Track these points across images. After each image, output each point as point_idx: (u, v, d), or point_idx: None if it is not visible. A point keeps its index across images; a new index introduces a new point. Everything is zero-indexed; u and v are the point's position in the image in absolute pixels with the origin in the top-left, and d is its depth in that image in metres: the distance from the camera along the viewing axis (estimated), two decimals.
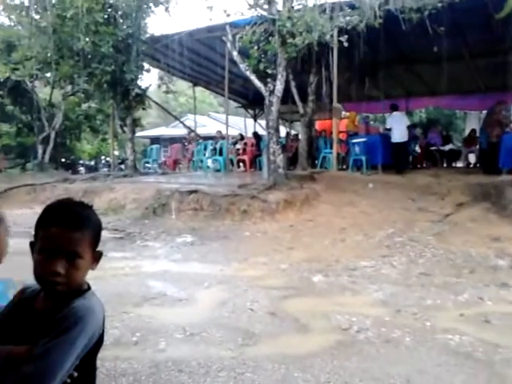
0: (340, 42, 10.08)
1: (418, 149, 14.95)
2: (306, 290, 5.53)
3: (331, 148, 13.18)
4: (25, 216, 10.99)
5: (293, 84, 12.86)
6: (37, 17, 13.81)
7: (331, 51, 11.33)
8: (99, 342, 1.33)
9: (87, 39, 12.77)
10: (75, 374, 1.25)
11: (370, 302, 5.13)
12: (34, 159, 22.54)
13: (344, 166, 13.49)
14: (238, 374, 3.38)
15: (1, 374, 1.23)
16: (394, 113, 12.46)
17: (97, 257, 1.37)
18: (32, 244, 1.33)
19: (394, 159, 12.12)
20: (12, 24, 16.92)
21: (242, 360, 3.61)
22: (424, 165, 14.74)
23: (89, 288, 1.37)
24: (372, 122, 21.23)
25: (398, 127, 12.01)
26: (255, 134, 18.14)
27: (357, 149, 12.41)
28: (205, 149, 16.50)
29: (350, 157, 12.64)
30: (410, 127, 13.10)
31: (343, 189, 10.34)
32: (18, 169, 23.36)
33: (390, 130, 12.17)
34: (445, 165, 14.49)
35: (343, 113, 15.30)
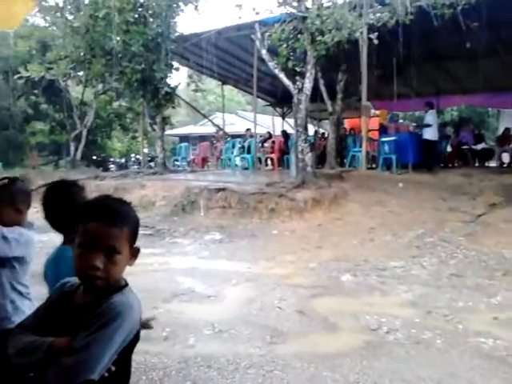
0: (370, 39, 9.96)
1: (449, 148, 14.65)
2: (334, 290, 5.50)
3: (360, 146, 13.05)
4: None
5: (321, 82, 12.78)
6: (70, 17, 14.09)
7: (360, 49, 11.20)
8: (136, 337, 1.36)
9: (118, 38, 12.97)
10: (113, 369, 1.28)
11: (399, 302, 5.07)
12: (66, 156, 23.09)
13: (373, 165, 13.33)
14: (266, 371, 3.39)
15: (42, 364, 1.27)
16: (430, 111, 12.25)
17: (134, 253, 1.39)
18: (73, 239, 1.36)
19: (424, 157, 11.91)
20: (47, 25, 17.31)
21: (270, 358, 3.62)
22: (455, 164, 14.43)
23: (126, 284, 1.40)
24: (401, 121, 20.94)
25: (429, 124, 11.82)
26: (283, 133, 18.11)
27: (386, 147, 12.24)
28: (233, 147, 16.56)
29: (380, 155, 12.49)
30: (442, 126, 12.85)
31: (372, 188, 10.22)
32: (51, 166, 23.96)
33: (429, 126, 11.92)
34: (477, 164, 14.14)
35: (372, 111, 15.12)
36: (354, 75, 12.97)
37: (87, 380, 1.22)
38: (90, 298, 1.33)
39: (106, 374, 1.26)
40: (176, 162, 19.03)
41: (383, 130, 14.21)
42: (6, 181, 2.36)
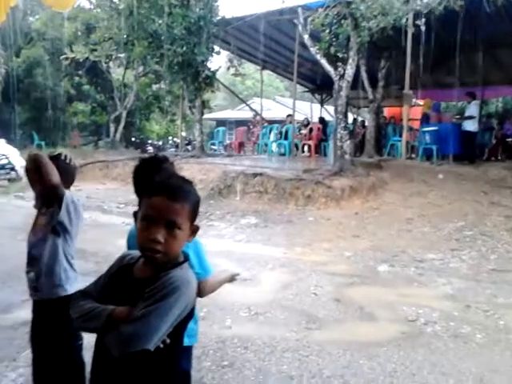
0: (416, 25, 9.69)
1: (493, 140, 14.20)
2: (370, 279, 5.46)
3: (400, 136, 12.81)
4: (98, 191, 11.56)
5: (363, 69, 12.57)
6: None
7: (405, 35, 10.92)
8: (191, 313, 1.39)
9: (161, 21, 13.06)
10: (168, 341, 1.32)
11: (437, 295, 4.99)
12: (105, 137, 23.59)
13: (412, 155, 13.08)
14: (302, 356, 3.42)
15: (101, 331, 1.33)
16: (474, 101, 11.88)
17: (194, 230, 1.43)
18: (135, 213, 1.40)
19: (465, 149, 11.60)
20: (92, 7, 17.62)
21: (306, 343, 3.64)
22: (499, 157, 13.99)
23: (185, 260, 1.43)
24: (444, 111, 20.38)
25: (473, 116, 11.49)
26: (321, 119, 17.95)
27: (427, 137, 11.97)
28: (270, 132, 16.54)
29: (420, 145, 12.23)
30: (486, 117, 12.45)
31: (411, 178, 10.04)
32: (91, 146, 24.51)
33: (472, 118, 11.59)
34: None
35: (413, 100, 14.77)
36: (396, 63, 12.70)
37: (143, 350, 1.26)
38: (149, 271, 1.37)
39: (162, 346, 1.31)
40: (212, 146, 19.16)
41: (426, 120, 13.88)
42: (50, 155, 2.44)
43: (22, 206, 9.47)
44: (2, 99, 19.76)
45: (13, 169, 12.75)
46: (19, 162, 13.01)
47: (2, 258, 5.74)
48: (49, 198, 2.39)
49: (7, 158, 12.66)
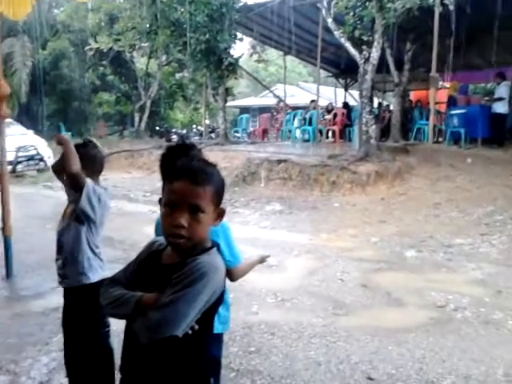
0: (444, 5, 9.42)
1: None
2: (398, 265, 5.39)
3: (427, 119, 12.55)
4: (124, 180, 11.70)
5: (388, 52, 12.31)
6: None
7: (432, 16, 10.62)
8: (220, 299, 1.38)
9: (183, 9, 13.03)
10: (196, 327, 1.31)
11: (466, 280, 4.90)
12: (130, 127, 23.83)
13: (440, 139, 12.81)
14: (330, 342, 3.40)
15: (130, 317, 1.33)
16: (504, 82, 11.51)
17: (220, 213, 1.40)
18: (161, 200, 1.39)
19: (495, 132, 11.28)
20: None
21: (333, 329, 3.62)
22: None
23: (213, 246, 1.41)
24: (471, 93, 19.86)
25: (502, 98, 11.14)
26: (345, 104, 17.72)
27: (455, 120, 11.69)
28: (294, 119, 16.42)
29: (448, 129, 11.96)
30: None
31: (439, 162, 9.85)
32: (117, 136, 24.80)
33: (502, 99, 11.24)
34: None
35: (440, 83, 14.42)
36: (422, 45, 12.38)
37: (171, 336, 1.26)
38: (176, 258, 1.36)
39: (190, 332, 1.30)
40: (236, 134, 19.14)
41: (452, 103, 13.54)
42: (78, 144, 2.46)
43: (51, 195, 9.67)
44: (29, 91, 20.14)
45: (41, 159, 12.99)
46: (47, 152, 13.26)
47: (32, 246, 5.87)
48: (73, 187, 2.41)
49: (36, 148, 12.90)
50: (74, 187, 2.39)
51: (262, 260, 2.33)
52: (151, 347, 1.30)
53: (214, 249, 1.40)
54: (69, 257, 2.46)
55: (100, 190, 2.44)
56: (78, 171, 2.34)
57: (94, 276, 2.48)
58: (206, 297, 1.29)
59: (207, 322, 1.39)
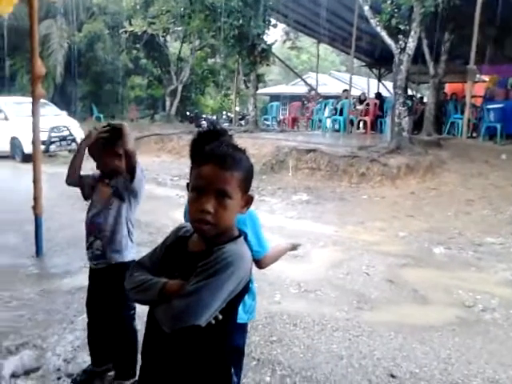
0: None
1: None
2: (425, 261, 5.28)
3: (461, 113, 12.23)
4: (153, 163, 11.81)
5: (425, 42, 12.00)
6: None
7: (474, 5, 10.27)
8: (245, 289, 1.35)
9: None
10: (220, 317, 1.29)
11: (497, 280, 4.76)
12: (161, 111, 23.99)
13: (474, 134, 12.47)
14: (353, 336, 3.36)
15: (154, 303, 1.32)
16: None
17: (248, 200, 1.37)
18: (188, 185, 1.37)
19: None
20: None
21: (357, 323, 3.58)
22: None
23: (240, 235, 1.39)
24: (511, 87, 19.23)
25: None
26: (378, 95, 17.42)
27: (492, 115, 11.36)
28: (325, 108, 16.23)
29: (483, 124, 11.62)
30: None
31: (472, 158, 9.59)
32: (147, 119, 25.01)
33: None
34: None
35: (477, 76, 14.00)
36: (461, 35, 12.01)
37: (194, 325, 1.25)
38: (203, 245, 1.34)
39: (213, 322, 1.28)
40: (266, 121, 19.06)
41: (489, 97, 13.14)
42: (109, 127, 2.46)
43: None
44: (64, 73, 20.46)
45: (74, 140, 13.20)
46: (79, 133, 13.47)
47: (62, 226, 5.99)
48: (127, 165, 2.41)
49: (69, 129, 13.12)
50: (129, 166, 2.40)
51: (294, 248, 2.29)
52: (173, 335, 1.29)
53: (241, 238, 1.38)
54: (109, 236, 2.49)
55: (141, 167, 2.47)
56: (135, 149, 2.38)
57: (128, 255, 2.51)
58: (231, 287, 1.27)
59: (231, 312, 1.37)
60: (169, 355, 1.35)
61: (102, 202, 2.54)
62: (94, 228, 2.54)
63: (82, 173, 2.63)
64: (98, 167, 2.56)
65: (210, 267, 1.26)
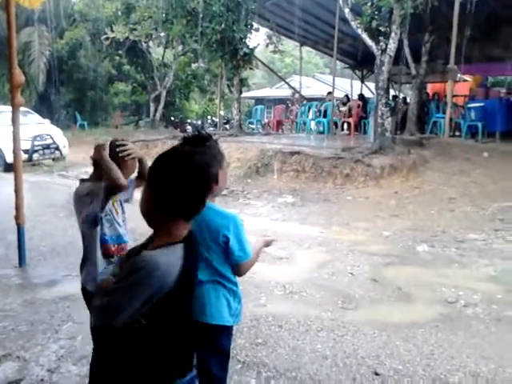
0: None
1: None
2: (409, 259, 5.33)
3: (443, 113, 12.37)
4: (137, 169, 11.75)
5: (406, 43, 12.14)
6: None
7: (452, 6, 10.42)
8: (173, 299, 1.35)
9: None
10: (143, 321, 1.32)
11: (479, 276, 4.83)
12: (146, 117, 23.88)
13: (457, 133, 12.62)
14: (337, 335, 3.39)
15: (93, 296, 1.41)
16: None
17: None
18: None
19: None
20: None
21: (341, 323, 3.61)
22: None
23: (180, 241, 1.40)
24: (490, 86, 19.52)
25: None
26: (361, 96, 17.55)
27: (473, 114, 11.51)
28: (309, 110, 16.30)
29: (465, 122, 11.78)
30: None
31: (454, 156, 9.71)
32: (132, 125, 24.90)
33: None
34: None
35: (458, 75, 14.19)
36: (441, 36, 12.18)
37: (120, 326, 1.33)
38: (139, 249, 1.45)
39: (136, 325, 1.32)
40: (251, 125, 19.10)
41: (471, 96, 13.34)
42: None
43: (66, 184, 9.76)
44: (46, 81, 20.29)
45: (57, 148, 13.12)
46: (63, 141, 13.39)
47: (45, 235, 5.95)
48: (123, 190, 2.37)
49: (52, 137, 13.02)
50: (144, 172, 2.49)
51: (267, 244, 2.29)
52: (102, 334, 1.38)
53: (176, 245, 1.38)
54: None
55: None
56: (125, 182, 2.30)
57: None
58: (142, 292, 1.28)
59: (161, 318, 1.36)
60: (101, 353, 1.43)
61: (121, 218, 2.50)
62: (121, 250, 2.42)
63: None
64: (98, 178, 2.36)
65: (122, 272, 1.33)
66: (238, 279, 2.09)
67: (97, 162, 2.31)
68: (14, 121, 4.83)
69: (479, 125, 11.06)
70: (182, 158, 1.44)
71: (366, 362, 3.04)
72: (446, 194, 8.09)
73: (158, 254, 1.33)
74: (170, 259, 1.33)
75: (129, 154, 2.38)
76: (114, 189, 2.27)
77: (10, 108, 4.88)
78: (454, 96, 12.75)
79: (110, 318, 1.29)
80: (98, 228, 2.31)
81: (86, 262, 2.33)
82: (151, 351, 1.37)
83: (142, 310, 1.30)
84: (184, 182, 1.39)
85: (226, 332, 2.09)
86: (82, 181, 2.43)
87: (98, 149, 2.28)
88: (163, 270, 1.31)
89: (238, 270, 2.06)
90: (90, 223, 2.27)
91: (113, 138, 2.47)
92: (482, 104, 11.63)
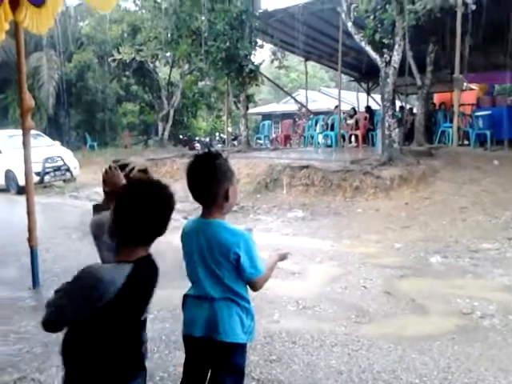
0: (465, 4, 9.26)
1: None
2: (422, 271, 5.29)
3: (451, 122, 12.34)
4: None
5: (410, 54, 12.18)
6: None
7: (454, 16, 10.46)
8: (113, 308, 1.52)
9: (203, 18, 13.17)
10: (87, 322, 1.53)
11: (494, 286, 4.77)
12: (154, 136, 24.13)
13: (465, 142, 12.58)
14: (352, 350, 3.35)
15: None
16: None
17: None
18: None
19: None
20: (137, 8, 18.02)
21: (355, 337, 3.57)
22: None
23: (142, 259, 1.63)
24: (497, 94, 19.47)
25: None
26: (368, 108, 17.58)
27: (480, 122, 11.48)
28: (316, 124, 16.35)
29: (473, 131, 11.74)
30: None
31: (464, 165, 9.67)
32: (141, 145, 25.12)
33: None
34: None
35: (465, 84, 14.18)
36: (445, 46, 12.22)
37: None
38: None
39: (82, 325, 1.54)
40: (259, 141, 19.18)
41: (478, 105, 13.31)
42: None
43: (77, 205, 9.85)
44: (56, 103, 20.60)
45: (68, 169, 13.26)
46: (73, 162, 13.53)
47: (58, 256, 5.98)
48: None
49: (62, 159, 13.17)
50: None
51: (283, 258, 2.29)
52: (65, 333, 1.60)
53: (125, 264, 1.57)
54: None
55: None
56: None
57: None
58: (82, 299, 1.49)
59: (102, 321, 1.54)
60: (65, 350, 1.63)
61: None
62: None
63: None
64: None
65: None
66: (251, 295, 2.09)
67: (109, 185, 2.29)
68: (25, 144, 4.90)
69: (487, 133, 11.02)
70: (143, 189, 1.65)
71: (381, 376, 3.00)
72: (457, 204, 8.03)
73: (105, 268, 1.59)
74: (114, 276, 1.52)
75: (133, 168, 2.37)
76: None
77: (21, 132, 4.97)
78: (460, 105, 12.74)
79: (53, 316, 1.51)
80: None
81: None
82: (101, 350, 1.56)
83: (84, 311, 1.49)
84: (140, 214, 1.59)
85: (240, 349, 2.08)
86: (96, 208, 2.36)
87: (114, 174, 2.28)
88: (105, 284, 1.49)
89: (252, 286, 2.06)
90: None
91: (112, 160, 2.44)
92: (489, 112, 11.60)
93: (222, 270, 1.98)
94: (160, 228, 1.65)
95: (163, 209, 1.65)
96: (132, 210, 1.58)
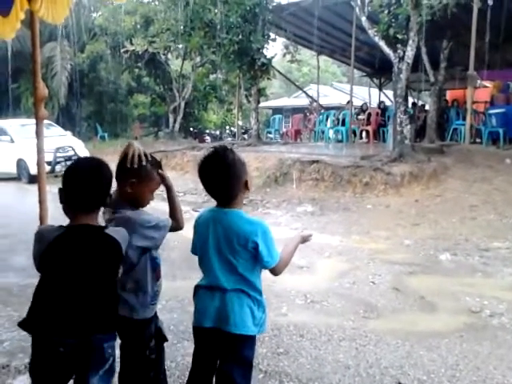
0: (482, 0, 9.15)
1: None
2: (431, 268, 5.27)
3: (463, 119, 12.24)
4: None
5: (423, 50, 12.08)
6: None
7: (470, 12, 10.34)
8: (45, 262, 1.85)
9: (216, 10, 13.14)
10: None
11: (504, 285, 4.74)
12: (165, 128, 24.15)
13: (477, 140, 12.47)
14: (359, 345, 3.35)
15: None
16: None
17: None
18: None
19: None
20: (150, 0, 18.00)
21: (363, 332, 3.57)
22: None
23: (76, 227, 1.86)
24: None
25: None
26: (380, 104, 17.48)
27: (494, 120, 11.38)
28: (327, 119, 16.30)
29: (486, 129, 11.63)
30: None
31: (476, 163, 9.59)
32: (151, 137, 25.18)
33: None
34: None
35: (478, 81, 14.04)
36: (459, 43, 12.10)
37: None
38: None
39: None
40: (269, 134, 19.15)
41: (494, 102, 13.17)
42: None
43: None
44: (68, 94, 20.70)
45: None
46: (84, 153, 13.59)
47: None
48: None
49: (74, 149, 13.24)
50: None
51: (305, 239, 2.27)
52: None
53: (61, 227, 1.85)
54: None
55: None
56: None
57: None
58: (34, 248, 1.87)
59: (42, 268, 1.89)
60: None
61: None
62: (160, 273, 2.26)
63: None
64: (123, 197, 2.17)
65: None
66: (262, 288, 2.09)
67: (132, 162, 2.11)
68: (38, 133, 4.92)
69: (500, 131, 10.92)
70: (83, 165, 1.99)
71: (389, 371, 3.00)
72: (468, 202, 7.98)
73: (45, 227, 2.11)
74: (46, 234, 1.84)
75: (140, 157, 2.16)
76: (175, 230, 2.25)
77: (33, 121, 4.98)
78: (474, 102, 12.62)
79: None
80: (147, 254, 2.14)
81: (137, 291, 2.11)
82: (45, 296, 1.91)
83: (36, 260, 1.86)
84: (77, 186, 1.87)
85: (249, 342, 2.07)
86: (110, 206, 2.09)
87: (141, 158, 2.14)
88: (39, 236, 1.86)
89: (272, 271, 2.06)
90: (141, 250, 2.09)
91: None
92: (503, 110, 11.49)
93: (237, 259, 1.98)
94: (93, 199, 1.88)
95: (96, 183, 1.86)
96: (71, 183, 1.86)
